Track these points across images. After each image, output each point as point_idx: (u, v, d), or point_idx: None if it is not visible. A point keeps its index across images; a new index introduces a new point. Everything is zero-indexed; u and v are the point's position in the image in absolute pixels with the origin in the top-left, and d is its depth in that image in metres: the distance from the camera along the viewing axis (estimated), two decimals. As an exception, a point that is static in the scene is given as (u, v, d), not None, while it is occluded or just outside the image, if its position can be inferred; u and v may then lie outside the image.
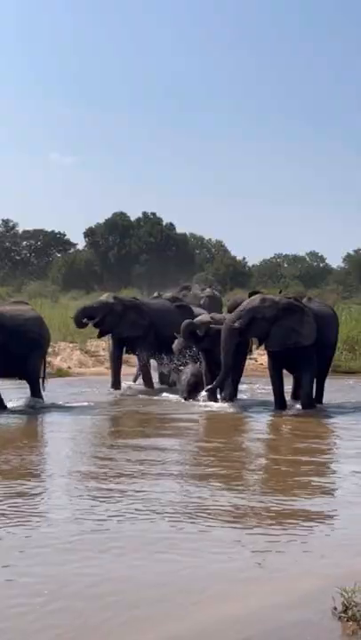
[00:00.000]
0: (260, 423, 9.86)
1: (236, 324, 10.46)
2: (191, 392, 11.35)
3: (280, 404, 10.76)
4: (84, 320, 12.74)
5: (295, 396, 11.37)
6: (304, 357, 10.70)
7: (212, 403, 10.90)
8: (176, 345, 11.65)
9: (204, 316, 11.58)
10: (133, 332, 12.70)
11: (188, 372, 11.59)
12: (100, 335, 13.27)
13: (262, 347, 10.96)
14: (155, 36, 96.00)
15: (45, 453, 7.61)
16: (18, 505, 5.38)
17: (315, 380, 11.09)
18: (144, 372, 13.03)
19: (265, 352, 11.78)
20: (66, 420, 9.64)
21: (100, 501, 5.48)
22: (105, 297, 13.13)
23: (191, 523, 5.04)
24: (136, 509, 5.28)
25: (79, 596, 3.80)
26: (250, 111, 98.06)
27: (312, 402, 10.79)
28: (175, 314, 13.21)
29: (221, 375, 10.62)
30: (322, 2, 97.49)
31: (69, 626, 3.46)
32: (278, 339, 10.53)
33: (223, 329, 10.59)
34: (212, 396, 10.93)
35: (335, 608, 3.60)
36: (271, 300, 10.72)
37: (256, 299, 10.74)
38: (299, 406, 10.86)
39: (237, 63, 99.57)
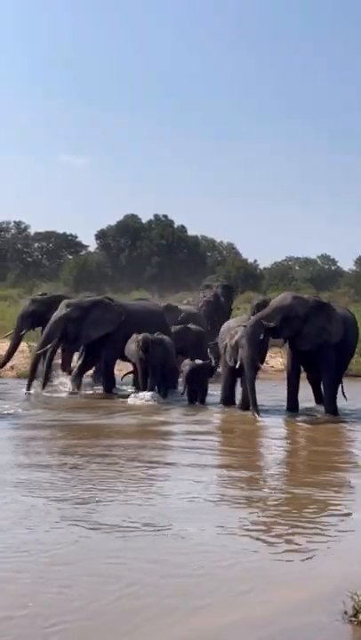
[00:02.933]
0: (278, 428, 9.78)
1: (272, 324, 10.40)
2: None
3: (292, 404, 10.72)
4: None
5: (319, 400, 11.30)
6: (325, 358, 10.63)
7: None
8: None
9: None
10: (99, 332, 12.30)
11: (187, 367, 11.48)
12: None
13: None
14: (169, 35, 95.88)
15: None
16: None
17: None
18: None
19: (274, 354, 11.71)
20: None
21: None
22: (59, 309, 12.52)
23: (202, 526, 5.06)
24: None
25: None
26: (254, 112, 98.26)
27: (335, 406, 10.69)
28: (155, 315, 13.13)
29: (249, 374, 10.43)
30: (322, 2, 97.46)
31: None
32: (310, 337, 10.50)
33: (250, 323, 10.48)
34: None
35: (346, 612, 3.61)
36: (302, 299, 10.76)
37: (287, 297, 10.74)
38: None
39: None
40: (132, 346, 11.83)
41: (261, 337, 10.58)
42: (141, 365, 11.67)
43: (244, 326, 10.61)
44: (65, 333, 12.29)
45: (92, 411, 10.53)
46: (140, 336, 11.63)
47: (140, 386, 11.84)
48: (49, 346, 12.29)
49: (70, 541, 4.57)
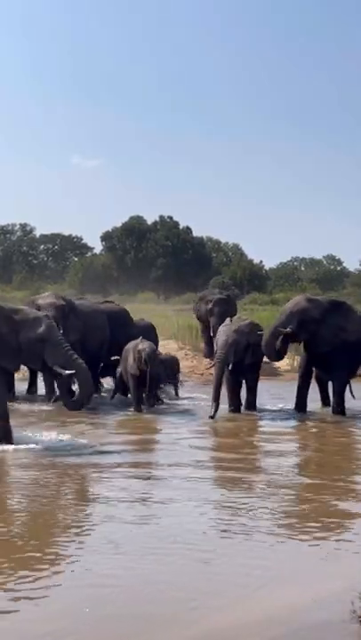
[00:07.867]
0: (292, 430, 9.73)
1: (288, 330, 10.32)
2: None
3: (301, 405, 10.69)
4: None
5: (325, 401, 11.26)
6: (341, 358, 10.55)
7: None
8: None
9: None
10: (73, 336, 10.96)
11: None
12: None
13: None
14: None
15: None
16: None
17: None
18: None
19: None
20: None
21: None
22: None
23: (223, 524, 5.06)
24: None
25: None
26: (261, 113, 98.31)
27: (343, 408, 10.64)
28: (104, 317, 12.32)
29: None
30: (322, 3, 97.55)
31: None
32: (327, 339, 10.45)
33: (270, 334, 10.42)
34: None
35: (354, 611, 3.61)
36: (316, 301, 10.75)
37: (301, 300, 10.71)
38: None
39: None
40: (128, 358, 10.75)
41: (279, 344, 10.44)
42: (138, 378, 10.61)
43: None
44: None
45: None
46: (142, 348, 10.55)
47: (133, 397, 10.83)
48: None
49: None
